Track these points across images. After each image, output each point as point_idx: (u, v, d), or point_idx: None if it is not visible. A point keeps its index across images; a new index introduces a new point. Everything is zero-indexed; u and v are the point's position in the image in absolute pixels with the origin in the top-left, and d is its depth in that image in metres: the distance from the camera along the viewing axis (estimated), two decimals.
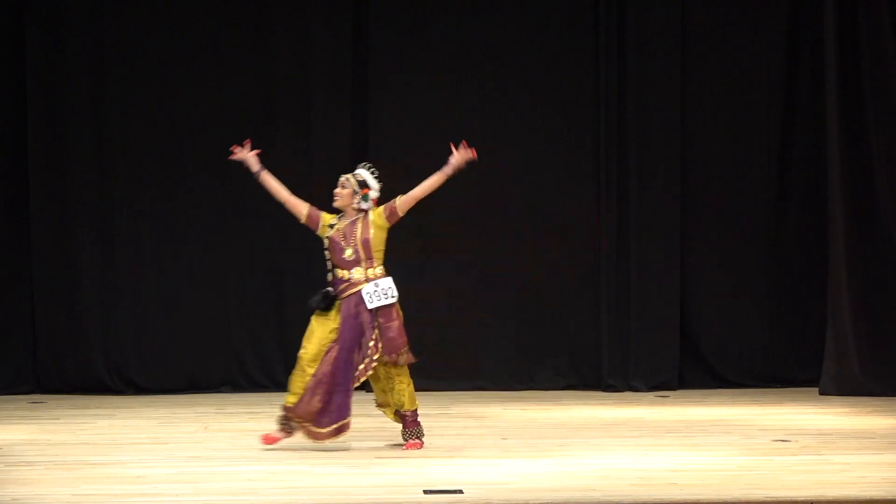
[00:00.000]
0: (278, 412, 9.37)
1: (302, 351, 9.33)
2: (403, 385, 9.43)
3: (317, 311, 9.28)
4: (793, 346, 13.25)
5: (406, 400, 9.44)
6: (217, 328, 12.90)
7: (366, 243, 9.30)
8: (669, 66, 13.01)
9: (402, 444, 9.45)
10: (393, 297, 9.27)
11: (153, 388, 12.70)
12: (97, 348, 12.70)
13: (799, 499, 7.51)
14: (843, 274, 12.54)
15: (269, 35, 12.89)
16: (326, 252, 9.37)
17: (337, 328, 9.23)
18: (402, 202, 9.43)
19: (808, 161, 13.19)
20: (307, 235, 12.88)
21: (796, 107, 13.23)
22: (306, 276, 12.92)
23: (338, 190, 9.44)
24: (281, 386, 12.87)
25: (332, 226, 9.41)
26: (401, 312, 9.38)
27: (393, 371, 9.38)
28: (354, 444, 9.55)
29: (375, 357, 9.24)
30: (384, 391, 9.49)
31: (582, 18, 13.06)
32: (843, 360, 12.51)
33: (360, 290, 9.24)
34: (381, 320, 9.23)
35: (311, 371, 9.24)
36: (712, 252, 13.22)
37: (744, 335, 13.20)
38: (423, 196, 9.48)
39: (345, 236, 9.31)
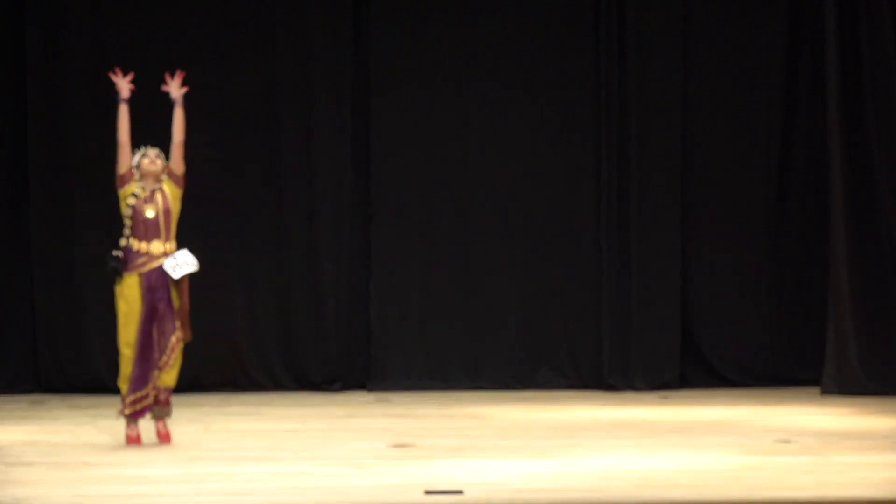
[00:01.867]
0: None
1: (127, 350, 9.50)
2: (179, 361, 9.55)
3: (115, 279, 9.45)
4: (793, 346, 13.24)
5: (172, 378, 9.55)
6: (218, 328, 12.90)
7: (167, 213, 9.54)
8: (670, 66, 13.00)
9: (400, 444, 9.47)
10: (195, 265, 9.56)
11: None
12: (97, 348, 12.69)
13: (800, 499, 7.51)
14: (844, 274, 12.53)
15: (269, 36, 12.89)
16: (127, 221, 9.52)
17: (139, 308, 9.43)
18: (172, 161, 9.71)
19: (808, 161, 13.18)
20: (310, 236, 12.95)
21: (796, 107, 13.22)
22: (308, 275, 12.93)
23: (153, 159, 9.68)
24: (282, 386, 12.92)
25: (135, 195, 9.58)
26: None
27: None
28: (355, 444, 9.55)
29: (179, 340, 9.47)
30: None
31: (582, 18, 13.06)
32: (844, 359, 12.50)
33: (160, 266, 9.46)
34: (180, 288, 9.48)
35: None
36: (713, 252, 13.21)
37: (745, 335, 13.19)
38: (181, 138, 9.76)
39: (146, 202, 9.52)
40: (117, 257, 9.46)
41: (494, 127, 13.06)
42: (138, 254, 9.49)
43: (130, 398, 9.46)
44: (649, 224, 12.99)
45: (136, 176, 9.69)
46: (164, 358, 9.46)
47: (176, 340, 9.48)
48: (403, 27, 13.02)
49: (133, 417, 9.54)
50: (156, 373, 9.44)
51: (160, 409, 9.59)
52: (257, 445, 9.56)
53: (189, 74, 12.87)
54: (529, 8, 13.06)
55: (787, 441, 9.67)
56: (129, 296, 9.48)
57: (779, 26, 13.19)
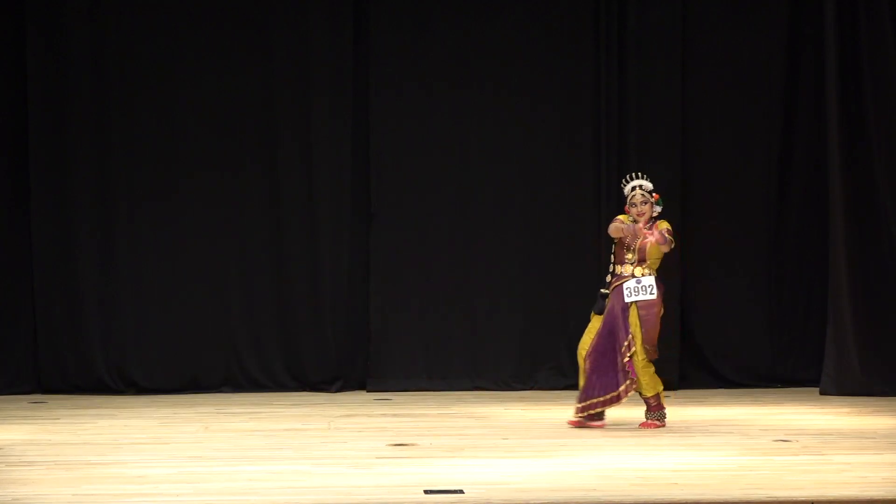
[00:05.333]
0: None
1: (580, 345, 10.32)
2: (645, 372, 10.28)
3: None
4: (793, 346, 13.25)
5: (643, 387, 10.30)
6: (218, 328, 12.91)
7: (642, 250, 10.19)
8: (670, 67, 13.01)
9: (400, 444, 9.49)
10: (652, 294, 10.17)
11: (154, 388, 12.71)
12: (97, 348, 12.70)
13: (800, 499, 7.52)
14: (844, 274, 12.54)
15: (269, 36, 12.89)
16: (614, 247, 10.34)
17: (601, 321, 10.25)
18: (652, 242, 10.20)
19: (808, 161, 13.19)
20: (310, 236, 12.96)
21: (796, 107, 13.23)
22: (308, 275, 12.94)
23: (640, 209, 10.24)
24: (282, 386, 12.92)
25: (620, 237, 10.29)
26: (661, 310, 10.26)
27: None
28: (355, 444, 9.56)
29: (631, 346, 10.17)
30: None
31: (582, 19, 13.06)
32: (843, 359, 12.51)
33: (622, 285, 10.21)
34: (641, 313, 10.17)
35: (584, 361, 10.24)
36: (712, 252, 13.22)
37: (744, 335, 13.20)
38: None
39: (631, 237, 10.21)
40: (604, 296, 10.28)
41: (494, 127, 13.06)
42: (616, 275, 10.32)
43: (580, 405, 10.28)
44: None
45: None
46: (620, 372, 10.21)
47: (626, 352, 10.18)
48: (404, 28, 13.02)
49: (588, 422, 10.28)
50: (619, 384, 10.19)
51: (648, 413, 10.43)
52: (257, 445, 9.56)
53: (189, 74, 12.92)
54: (530, 9, 13.06)
55: (786, 441, 9.68)
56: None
57: (779, 26, 13.20)
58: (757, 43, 13.20)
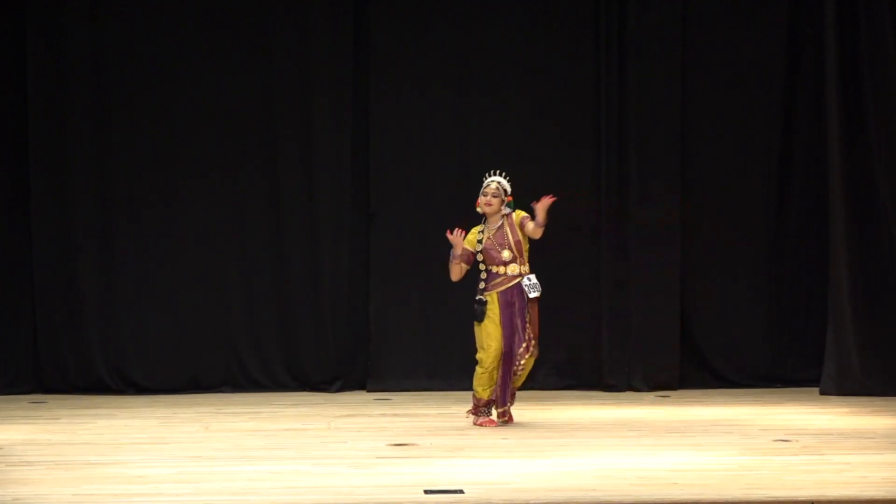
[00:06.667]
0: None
1: (482, 353, 10.41)
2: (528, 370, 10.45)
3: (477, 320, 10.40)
4: (793, 346, 13.26)
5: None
6: (218, 328, 12.92)
7: (518, 245, 10.35)
8: (670, 67, 13.01)
9: (400, 444, 9.49)
10: (538, 291, 10.35)
11: (154, 388, 12.71)
12: (97, 348, 12.70)
13: (799, 499, 7.52)
14: (844, 274, 12.54)
15: (269, 36, 12.89)
16: (480, 257, 10.39)
17: (498, 320, 10.27)
18: (531, 230, 10.34)
19: (808, 161, 13.19)
20: (310, 236, 12.96)
21: (796, 107, 13.24)
22: (308, 275, 12.94)
23: (489, 199, 10.43)
24: (282, 386, 12.93)
25: (479, 241, 10.44)
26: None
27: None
28: (355, 444, 9.56)
29: (532, 343, 10.30)
30: None
31: (582, 19, 13.07)
32: (843, 359, 12.51)
33: (517, 283, 10.28)
34: (530, 311, 10.27)
35: (495, 370, 10.34)
36: (712, 252, 13.22)
37: (744, 335, 13.20)
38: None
39: (497, 243, 10.32)
40: (483, 303, 10.38)
41: (494, 128, 13.06)
42: (497, 275, 10.40)
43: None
44: (649, 224, 12.99)
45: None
46: (517, 368, 10.37)
47: (524, 352, 10.33)
48: (404, 28, 13.03)
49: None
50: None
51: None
52: (257, 445, 9.56)
53: (189, 75, 12.93)
54: (530, 10, 13.07)
55: (786, 441, 9.68)
56: (490, 312, 10.37)
57: (779, 26, 13.20)
58: (757, 43, 13.20)
